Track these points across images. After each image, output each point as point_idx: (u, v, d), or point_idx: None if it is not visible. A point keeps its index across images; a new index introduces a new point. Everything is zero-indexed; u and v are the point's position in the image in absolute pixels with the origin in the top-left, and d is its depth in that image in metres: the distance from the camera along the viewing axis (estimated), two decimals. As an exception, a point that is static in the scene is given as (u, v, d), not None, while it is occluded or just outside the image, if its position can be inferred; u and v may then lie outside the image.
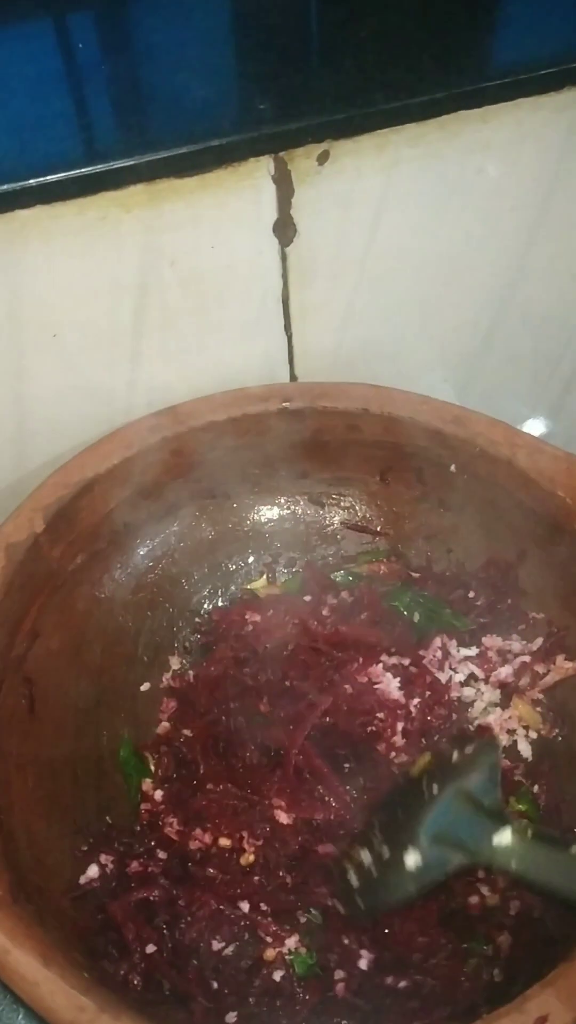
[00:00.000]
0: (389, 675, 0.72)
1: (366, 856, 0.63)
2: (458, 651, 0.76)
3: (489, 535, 0.80)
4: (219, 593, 0.83)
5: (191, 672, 0.77)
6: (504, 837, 0.59)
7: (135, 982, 0.61)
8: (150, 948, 0.62)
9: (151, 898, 0.64)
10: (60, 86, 0.68)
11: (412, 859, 0.61)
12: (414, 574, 0.81)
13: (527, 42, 0.74)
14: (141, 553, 0.80)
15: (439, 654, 0.75)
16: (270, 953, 0.63)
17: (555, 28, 0.74)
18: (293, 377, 0.85)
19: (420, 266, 0.80)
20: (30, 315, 0.70)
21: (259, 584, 0.83)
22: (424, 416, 0.77)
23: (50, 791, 0.68)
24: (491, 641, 0.76)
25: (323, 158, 0.69)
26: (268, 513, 0.85)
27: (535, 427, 1.00)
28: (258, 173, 0.68)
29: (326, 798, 0.68)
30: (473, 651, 0.76)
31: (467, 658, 0.76)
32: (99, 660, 0.76)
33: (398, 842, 0.62)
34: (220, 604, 0.82)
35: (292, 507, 0.85)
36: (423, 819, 0.62)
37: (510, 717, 0.73)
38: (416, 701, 0.72)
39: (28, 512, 0.72)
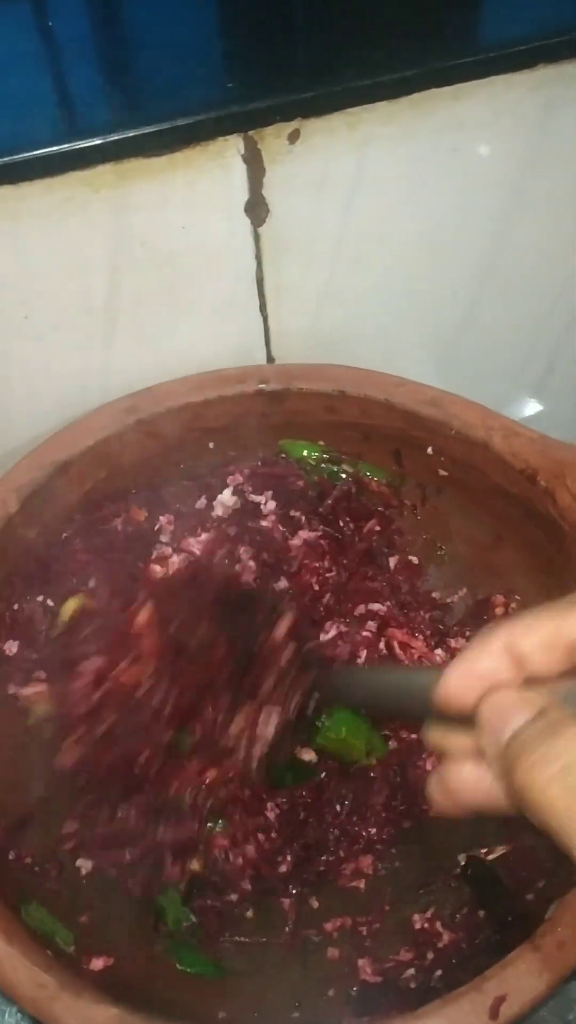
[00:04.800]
0: None
1: None
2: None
3: (467, 517, 0.80)
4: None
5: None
6: None
7: None
8: None
9: None
10: (24, 64, 0.67)
11: None
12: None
13: (501, 19, 0.73)
14: (118, 535, 0.81)
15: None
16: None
17: (529, 5, 0.73)
18: (270, 359, 0.85)
19: (397, 246, 0.80)
20: (0, 296, 0.70)
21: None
22: (400, 398, 0.77)
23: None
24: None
25: (293, 137, 0.68)
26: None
27: (517, 407, 1.00)
28: (228, 152, 0.67)
29: None
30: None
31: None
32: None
33: None
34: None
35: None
36: None
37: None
38: None
39: (1, 493, 0.72)
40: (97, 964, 0.59)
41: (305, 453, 0.81)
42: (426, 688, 0.42)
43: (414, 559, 0.82)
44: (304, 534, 0.79)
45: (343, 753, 0.68)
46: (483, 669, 0.40)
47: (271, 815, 0.66)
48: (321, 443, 0.81)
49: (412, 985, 0.59)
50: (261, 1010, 0.61)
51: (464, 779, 0.41)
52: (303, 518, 0.80)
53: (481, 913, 0.61)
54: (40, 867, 0.65)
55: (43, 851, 0.66)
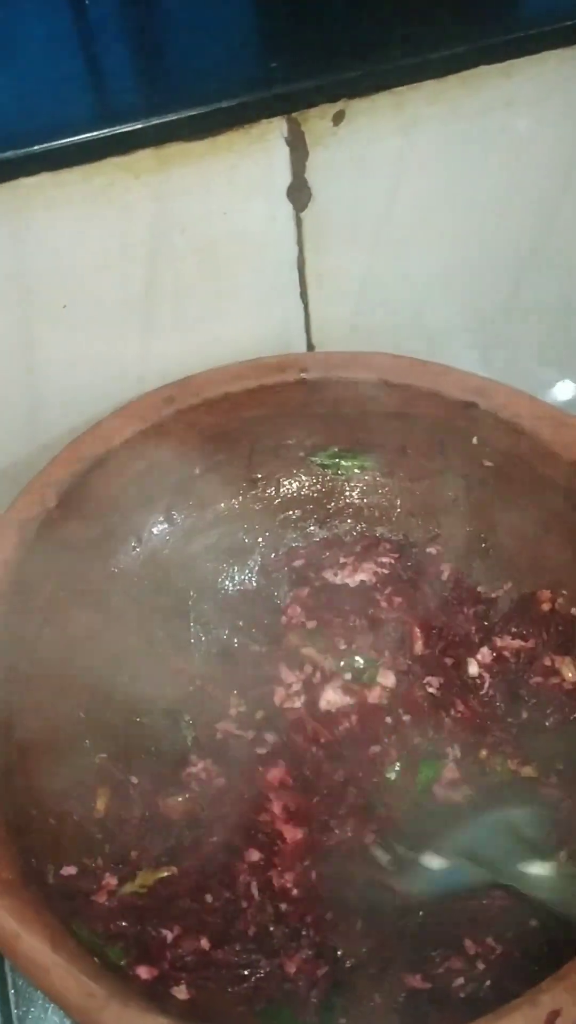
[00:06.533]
0: None
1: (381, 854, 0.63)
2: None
3: (512, 509, 0.78)
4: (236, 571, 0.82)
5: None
6: (544, 868, 0.60)
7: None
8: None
9: None
10: (64, 47, 0.65)
11: (435, 862, 0.60)
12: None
13: (553, -9, 0.70)
14: (156, 529, 0.79)
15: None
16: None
17: (583, -24, 0.70)
18: (310, 346, 0.83)
19: (442, 229, 0.77)
20: (38, 286, 0.68)
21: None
22: (444, 387, 0.75)
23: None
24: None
25: (338, 118, 0.66)
26: (286, 486, 0.83)
27: (563, 392, 0.97)
28: (270, 135, 0.65)
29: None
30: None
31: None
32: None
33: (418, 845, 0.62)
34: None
35: (310, 480, 0.83)
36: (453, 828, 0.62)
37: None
38: None
39: (40, 487, 0.71)
40: (144, 973, 0.59)
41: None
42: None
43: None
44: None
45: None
46: None
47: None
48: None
49: (461, 995, 0.58)
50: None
51: None
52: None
53: (533, 922, 0.60)
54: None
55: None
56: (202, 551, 0.81)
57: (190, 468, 0.79)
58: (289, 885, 0.64)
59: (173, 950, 0.61)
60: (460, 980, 0.59)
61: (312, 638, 0.76)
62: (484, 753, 0.70)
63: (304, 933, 0.62)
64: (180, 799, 0.68)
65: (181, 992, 0.59)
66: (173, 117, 0.61)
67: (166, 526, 0.80)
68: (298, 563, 0.81)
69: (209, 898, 0.63)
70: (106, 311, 0.72)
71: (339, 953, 0.62)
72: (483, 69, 0.67)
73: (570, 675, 0.73)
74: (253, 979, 0.60)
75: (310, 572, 0.80)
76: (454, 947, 0.61)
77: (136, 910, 0.62)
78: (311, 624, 0.76)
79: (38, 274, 0.67)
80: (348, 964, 0.62)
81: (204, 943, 0.61)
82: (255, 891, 0.64)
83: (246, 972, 0.61)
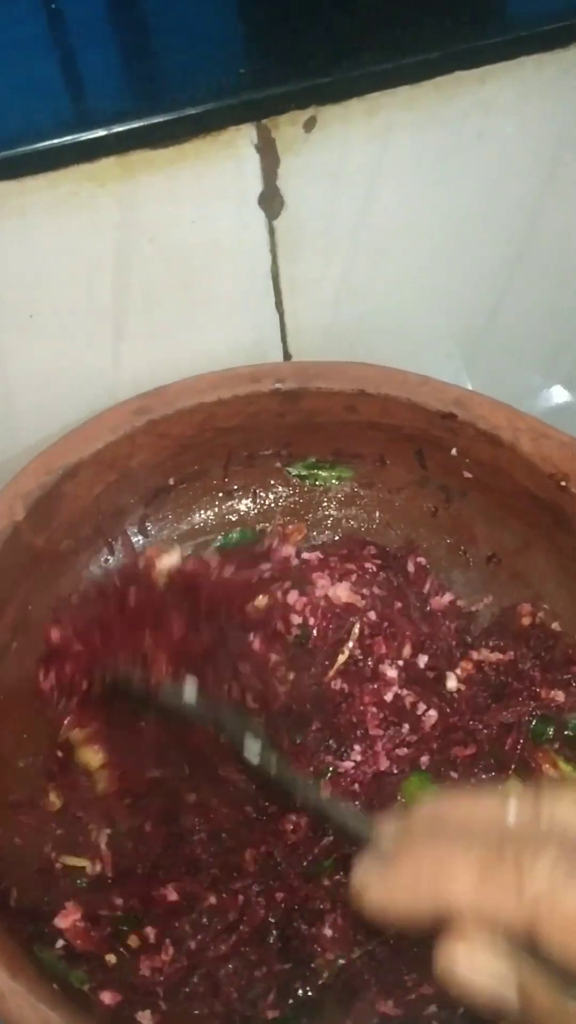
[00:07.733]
0: None
1: None
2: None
3: (492, 521, 0.76)
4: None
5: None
6: None
7: None
8: None
9: None
10: (27, 53, 0.64)
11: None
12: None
13: (529, -5, 0.69)
14: (129, 540, 0.78)
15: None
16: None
17: (559, -21, 0.69)
18: (287, 356, 0.81)
19: (419, 236, 0.76)
20: (4, 295, 0.67)
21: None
22: (422, 397, 0.73)
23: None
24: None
25: (310, 125, 0.65)
26: (262, 497, 0.82)
27: (548, 398, 0.96)
28: (240, 142, 0.64)
29: None
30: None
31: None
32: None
33: None
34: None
35: (287, 491, 0.82)
36: None
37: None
38: None
39: (8, 499, 0.69)
40: (108, 999, 0.57)
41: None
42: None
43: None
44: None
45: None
46: None
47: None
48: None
49: (434, 1023, 0.57)
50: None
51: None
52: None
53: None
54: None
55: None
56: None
57: (164, 479, 0.77)
58: None
59: (147, 967, 0.60)
60: (432, 1007, 0.58)
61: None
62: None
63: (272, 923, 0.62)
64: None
65: (146, 1018, 0.58)
66: (137, 124, 0.60)
67: (140, 538, 0.79)
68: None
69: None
70: (75, 320, 0.71)
71: (312, 965, 0.61)
72: (458, 75, 0.66)
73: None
74: (221, 995, 0.60)
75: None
76: (427, 972, 0.59)
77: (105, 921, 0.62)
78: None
79: (4, 284, 0.66)
80: (320, 980, 0.61)
81: (172, 951, 0.61)
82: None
83: (216, 985, 0.60)
